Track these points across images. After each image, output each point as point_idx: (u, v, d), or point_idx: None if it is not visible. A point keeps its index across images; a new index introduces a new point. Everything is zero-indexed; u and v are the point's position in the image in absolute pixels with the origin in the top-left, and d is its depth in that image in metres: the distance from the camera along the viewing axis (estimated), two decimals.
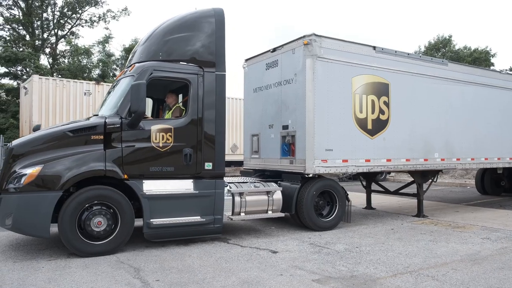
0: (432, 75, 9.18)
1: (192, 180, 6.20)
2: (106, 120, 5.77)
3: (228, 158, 18.71)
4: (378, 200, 12.00)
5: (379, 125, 8.20)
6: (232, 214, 6.82)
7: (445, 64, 9.54)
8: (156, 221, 5.90)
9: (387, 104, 8.35)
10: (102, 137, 5.69)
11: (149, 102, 7.56)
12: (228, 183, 6.99)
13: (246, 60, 9.09)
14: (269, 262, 5.48)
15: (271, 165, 8.27)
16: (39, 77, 15.11)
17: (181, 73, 6.22)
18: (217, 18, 6.44)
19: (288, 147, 7.73)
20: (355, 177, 19.98)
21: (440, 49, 38.40)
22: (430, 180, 9.71)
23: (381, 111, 8.25)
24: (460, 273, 5.03)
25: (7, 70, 25.53)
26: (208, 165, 6.31)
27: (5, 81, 26.37)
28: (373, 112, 8.11)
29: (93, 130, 5.70)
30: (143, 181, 5.89)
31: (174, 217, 6.00)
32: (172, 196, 6.02)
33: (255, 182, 7.35)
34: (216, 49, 6.39)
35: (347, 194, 7.88)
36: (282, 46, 8.00)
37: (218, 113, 6.35)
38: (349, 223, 8.32)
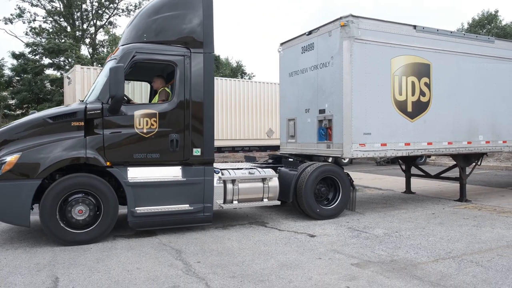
0: (477, 53, 8.73)
1: (180, 167, 5.96)
2: (87, 106, 5.56)
3: (264, 143, 18.92)
4: (418, 184, 11.69)
5: (419, 108, 7.95)
6: (224, 202, 6.46)
7: (491, 42, 9.03)
8: (140, 209, 5.68)
9: (428, 85, 8.05)
10: (82, 123, 5.49)
11: (147, 88, 7.54)
12: (221, 169, 6.66)
13: (281, 44, 8.97)
14: (307, 245, 5.49)
15: (307, 150, 8.22)
16: (81, 67, 15.65)
17: (166, 55, 5.88)
18: None
19: (325, 132, 7.66)
20: (393, 160, 19.71)
21: (485, 26, 36.30)
22: (474, 164, 9.34)
23: (422, 93, 7.98)
24: (506, 259, 4.85)
25: (51, 61, 26.58)
26: (197, 151, 6.03)
27: (49, 71, 27.51)
28: (413, 94, 7.86)
29: (73, 116, 5.50)
30: (128, 168, 5.70)
31: (160, 206, 5.78)
32: (158, 183, 5.78)
33: (251, 168, 6.96)
34: (204, 29, 6.02)
35: (352, 181, 7.56)
36: (318, 28, 7.84)
37: (206, 96, 6.03)
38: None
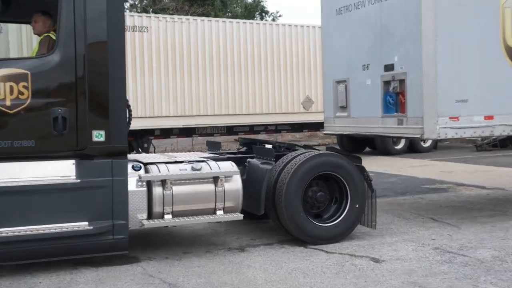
0: None
1: (72, 162, 5.73)
2: None
3: (298, 118, 18.91)
4: None
5: None
6: (150, 217, 6.12)
7: None
8: None
9: None
10: None
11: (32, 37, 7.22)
12: (144, 164, 6.34)
13: None
14: (371, 276, 5.43)
15: (367, 128, 8.19)
16: None
17: None
18: None
19: (395, 99, 7.62)
20: (504, 142, 19.18)
21: None
22: None
23: None
24: None
25: None
26: (99, 135, 5.79)
27: None
28: None
29: None
30: None
31: (35, 225, 5.51)
32: (32, 189, 5.52)
33: (197, 161, 6.59)
34: None
35: (370, 180, 7.17)
36: None
37: (112, 48, 5.84)
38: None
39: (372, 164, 14.32)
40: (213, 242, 6.95)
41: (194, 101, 17.02)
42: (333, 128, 8.93)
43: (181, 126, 17.08)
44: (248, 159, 7.18)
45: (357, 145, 18.83)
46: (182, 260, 6.10)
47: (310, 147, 7.76)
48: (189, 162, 6.48)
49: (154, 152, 14.75)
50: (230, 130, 18.03)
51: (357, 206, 6.89)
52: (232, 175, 6.55)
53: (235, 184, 6.55)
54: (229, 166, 6.63)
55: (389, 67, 7.64)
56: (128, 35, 15.96)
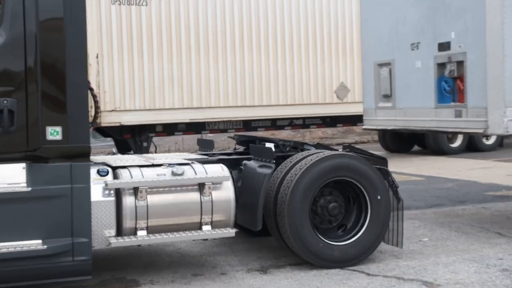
0: None
1: (23, 165, 5.69)
2: None
3: (330, 110, 18.88)
4: None
5: None
6: (119, 234, 6.09)
7: None
8: None
9: None
10: None
11: None
12: (113, 167, 6.34)
13: None
14: None
15: (416, 121, 8.23)
16: None
17: None
18: None
19: (451, 85, 7.65)
20: None
21: None
22: None
23: None
24: None
25: None
26: (54, 133, 5.75)
27: None
28: None
29: None
30: None
31: None
32: None
33: (179, 164, 6.58)
34: None
35: (396, 187, 7.09)
36: None
37: (70, 26, 5.81)
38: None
39: (422, 166, 14.22)
40: (229, 261, 6.94)
41: (203, 90, 17.08)
42: (374, 122, 8.95)
43: (188, 121, 17.20)
44: (245, 161, 7.18)
45: (404, 142, 18.82)
46: (191, 285, 6.10)
47: (325, 146, 7.67)
48: (170, 165, 6.43)
49: (155, 153, 14.82)
50: (247, 125, 18.08)
51: (379, 216, 6.83)
52: (221, 181, 6.52)
53: (226, 192, 6.53)
54: (219, 170, 6.59)
55: (444, 46, 7.64)
56: (122, 9, 16.10)
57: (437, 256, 6.96)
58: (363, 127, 9.08)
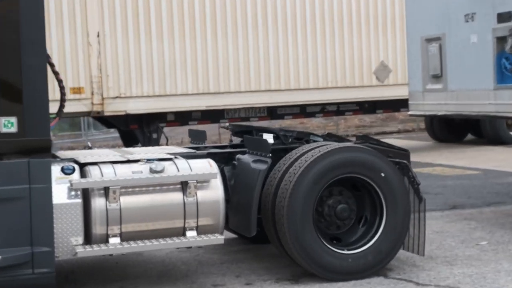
0: None
1: None
2: None
3: (369, 94, 18.84)
4: None
5: None
6: (88, 241, 6.08)
7: None
8: None
9: None
10: None
11: None
12: (81, 164, 6.30)
13: None
14: None
15: (471, 105, 8.24)
16: None
17: None
18: None
19: None
20: None
21: None
22: None
23: None
24: None
25: None
26: (8, 124, 5.76)
27: None
28: None
29: None
30: None
31: None
32: None
33: (159, 159, 6.57)
34: None
35: (418, 184, 6.97)
36: None
37: (26, 2, 5.79)
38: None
39: (478, 158, 14.16)
40: (254, 269, 6.95)
41: (221, 72, 17.08)
42: (421, 107, 8.95)
43: (204, 108, 17.24)
44: (238, 156, 7.16)
45: (455, 130, 18.77)
46: None
47: (338, 136, 7.59)
48: (148, 161, 6.41)
49: (167, 145, 14.88)
50: (272, 112, 18.11)
51: (397, 219, 6.74)
52: (208, 179, 6.47)
53: (214, 192, 6.50)
54: (206, 166, 6.56)
55: (504, 17, 7.65)
56: None
57: (498, 263, 6.94)
58: (409, 113, 9.08)
